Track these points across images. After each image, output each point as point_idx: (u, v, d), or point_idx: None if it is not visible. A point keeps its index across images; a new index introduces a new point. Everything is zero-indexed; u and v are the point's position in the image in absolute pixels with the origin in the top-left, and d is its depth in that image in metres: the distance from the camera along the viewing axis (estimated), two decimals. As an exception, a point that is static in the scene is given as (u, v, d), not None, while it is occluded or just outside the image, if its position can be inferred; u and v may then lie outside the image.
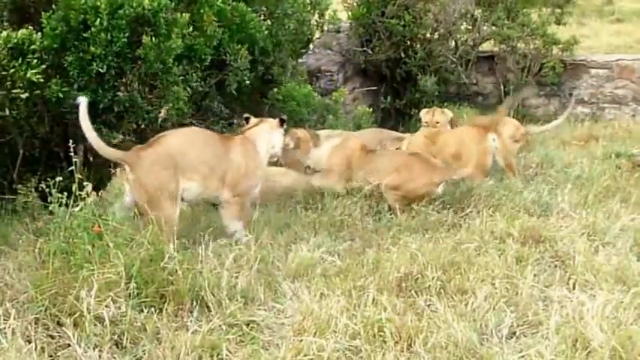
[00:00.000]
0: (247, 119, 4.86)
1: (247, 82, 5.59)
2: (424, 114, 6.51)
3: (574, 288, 3.72)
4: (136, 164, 4.08)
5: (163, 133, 4.35)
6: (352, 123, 7.20)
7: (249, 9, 5.62)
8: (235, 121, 5.84)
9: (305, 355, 3.04)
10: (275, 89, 6.09)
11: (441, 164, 5.35)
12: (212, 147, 4.43)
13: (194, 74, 5.02)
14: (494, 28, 8.50)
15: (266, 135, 4.74)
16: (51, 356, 3.08)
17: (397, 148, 6.02)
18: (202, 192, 4.37)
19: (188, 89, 4.90)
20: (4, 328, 3.09)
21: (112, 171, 3.69)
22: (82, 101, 3.96)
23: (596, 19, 13.30)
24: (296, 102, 5.97)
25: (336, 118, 6.62)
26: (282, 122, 4.80)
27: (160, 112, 4.20)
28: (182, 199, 4.30)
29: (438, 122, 6.35)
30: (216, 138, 4.55)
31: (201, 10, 5.07)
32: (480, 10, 8.68)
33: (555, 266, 4.02)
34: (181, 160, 4.21)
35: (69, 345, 3.09)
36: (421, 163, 5.18)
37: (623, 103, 8.48)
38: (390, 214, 4.99)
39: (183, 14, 4.75)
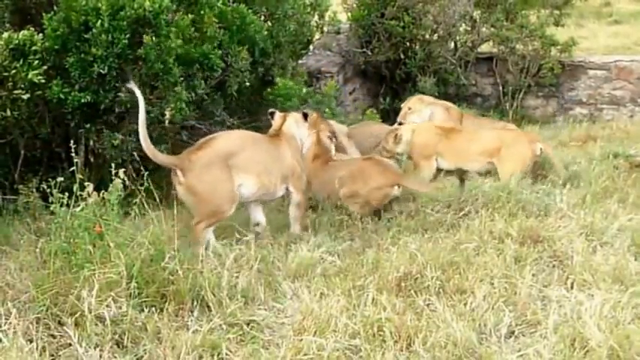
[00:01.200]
0: (272, 114, 4.92)
1: (247, 83, 5.62)
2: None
3: (572, 288, 3.72)
4: (187, 168, 4.20)
5: (211, 137, 4.47)
6: (344, 117, 7.18)
7: (250, 10, 5.65)
8: (235, 122, 5.86)
9: (305, 355, 3.05)
10: (269, 88, 6.12)
11: (394, 166, 5.25)
12: (262, 146, 4.58)
13: (196, 78, 5.04)
14: (493, 29, 8.52)
15: (296, 129, 4.87)
16: (52, 356, 3.08)
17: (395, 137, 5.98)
18: (259, 189, 4.49)
19: (192, 93, 4.92)
20: (6, 328, 3.09)
21: (114, 172, 3.70)
22: (141, 107, 4.06)
23: (594, 20, 13.33)
24: (283, 96, 5.98)
25: (331, 111, 6.63)
26: (305, 116, 4.87)
27: (165, 115, 4.21)
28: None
29: (410, 108, 6.34)
30: (263, 138, 4.68)
31: (202, 12, 5.10)
32: (479, 12, 8.70)
33: (553, 266, 4.02)
34: (233, 160, 4.32)
35: (70, 344, 3.10)
36: (373, 167, 5.06)
37: (621, 104, 8.51)
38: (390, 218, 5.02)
39: (185, 16, 4.76)
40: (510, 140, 5.69)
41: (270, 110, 4.97)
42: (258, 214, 4.65)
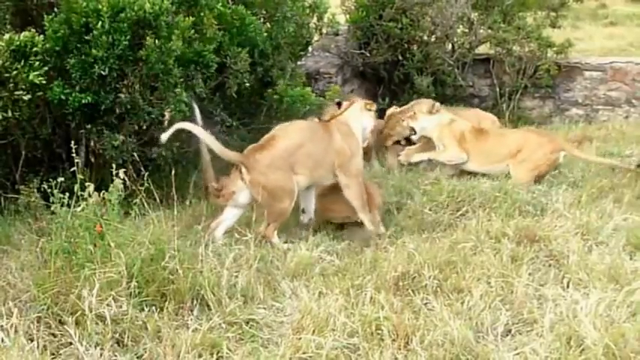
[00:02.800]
0: (339, 104, 5.01)
1: (247, 84, 5.64)
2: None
3: (568, 286, 3.74)
4: (252, 166, 4.38)
5: (273, 133, 4.62)
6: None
7: (249, 12, 5.65)
8: (234, 123, 5.88)
9: (304, 353, 3.07)
10: (270, 90, 6.14)
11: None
12: (317, 139, 4.66)
13: (196, 79, 5.06)
14: (490, 31, 8.54)
15: (357, 116, 4.88)
16: (53, 354, 3.10)
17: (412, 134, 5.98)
18: (310, 182, 4.64)
19: (192, 94, 4.94)
20: (7, 327, 3.11)
21: (114, 172, 3.72)
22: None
23: (590, 22, 13.39)
24: (291, 100, 6.00)
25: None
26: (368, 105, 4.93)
27: (164, 116, 4.24)
28: None
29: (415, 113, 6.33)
30: (318, 128, 4.75)
31: (202, 14, 5.11)
32: (476, 14, 8.72)
33: (550, 265, 4.04)
34: (293, 159, 4.49)
35: (71, 343, 3.12)
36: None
37: (617, 105, 8.54)
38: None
39: (185, 18, 4.78)
40: (532, 145, 5.70)
41: (337, 100, 5.14)
42: (309, 202, 4.77)
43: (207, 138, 4.38)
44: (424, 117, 5.94)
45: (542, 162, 5.61)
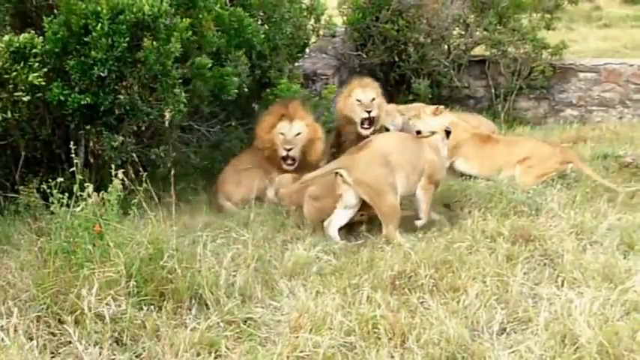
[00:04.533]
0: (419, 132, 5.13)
1: (245, 85, 5.66)
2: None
3: (562, 285, 3.76)
4: (352, 167, 4.53)
5: (368, 140, 4.85)
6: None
7: (247, 14, 5.68)
8: (233, 124, 5.91)
9: (301, 352, 3.09)
10: (268, 90, 6.17)
11: None
12: (411, 147, 4.85)
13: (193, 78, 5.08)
14: (485, 33, 8.58)
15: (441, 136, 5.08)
16: (52, 353, 3.12)
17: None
18: (406, 187, 4.72)
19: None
20: (7, 326, 3.13)
21: (113, 172, 3.74)
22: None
23: (585, 24, 13.43)
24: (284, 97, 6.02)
25: (330, 114, 6.69)
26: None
27: (164, 117, 4.26)
28: None
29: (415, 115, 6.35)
30: (411, 138, 4.93)
31: (200, 16, 5.11)
32: (472, 16, 8.75)
33: (544, 264, 4.06)
34: (392, 159, 4.62)
35: (70, 342, 3.14)
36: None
37: (611, 105, 8.57)
38: None
39: (183, 19, 4.80)
40: (541, 154, 5.74)
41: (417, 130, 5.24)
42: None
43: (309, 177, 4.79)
44: (427, 117, 5.97)
45: (551, 171, 5.64)
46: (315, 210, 4.82)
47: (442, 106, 6.04)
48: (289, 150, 5.50)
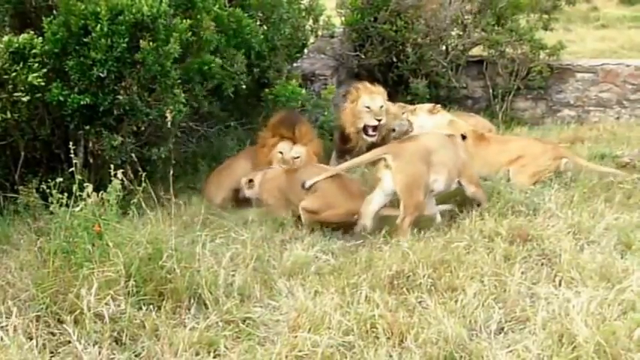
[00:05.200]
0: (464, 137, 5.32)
1: (244, 85, 5.68)
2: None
3: (560, 285, 3.77)
4: (399, 154, 4.61)
5: (413, 135, 4.95)
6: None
7: (246, 15, 5.70)
8: (232, 124, 5.92)
9: (300, 351, 3.10)
10: (267, 90, 6.19)
11: (361, 191, 5.02)
12: (450, 147, 4.96)
13: (194, 81, 5.09)
14: (483, 33, 8.59)
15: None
16: (52, 353, 3.13)
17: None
18: (445, 185, 4.84)
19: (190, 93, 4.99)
20: (6, 326, 3.15)
21: (113, 172, 3.75)
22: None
23: (582, 25, 13.45)
24: (284, 99, 6.05)
25: (329, 113, 6.71)
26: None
27: (165, 117, 4.27)
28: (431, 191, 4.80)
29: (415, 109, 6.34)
30: (448, 139, 5.05)
31: (199, 16, 5.13)
32: (469, 16, 8.76)
33: (542, 264, 4.07)
34: (433, 156, 4.71)
35: (69, 342, 3.15)
36: (344, 189, 4.90)
37: (608, 106, 8.59)
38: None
39: (182, 20, 4.81)
40: (533, 151, 5.75)
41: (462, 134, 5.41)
42: (433, 208, 4.93)
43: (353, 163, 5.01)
44: (424, 114, 6.00)
45: (544, 168, 5.66)
46: (314, 222, 4.79)
47: (439, 105, 6.07)
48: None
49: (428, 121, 5.89)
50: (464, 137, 5.24)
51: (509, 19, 8.66)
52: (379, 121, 5.95)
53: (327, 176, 4.88)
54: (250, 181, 5.29)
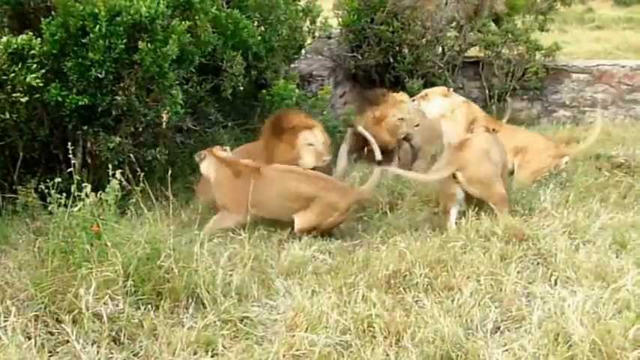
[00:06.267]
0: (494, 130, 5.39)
1: (241, 87, 5.69)
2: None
3: (556, 284, 3.79)
4: (465, 167, 4.75)
5: (466, 139, 5.03)
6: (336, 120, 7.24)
7: (243, 16, 5.71)
8: (229, 124, 5.93)
9: (297, 350, 3.11)
10: (264, 90, 6.21)
11: (346, 185, 4.99)
12: (499, 144, 5.15)
13: (191, 79, 5.10)
14: (479, 34, 8.62)
15: None
16: (50, 352, 3.13)
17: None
18: None
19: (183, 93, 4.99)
20: (5, 326, 3.15)
21: (111, 172, 3.76)
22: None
23: (577, 26, 13.48)
24: (279, 98, 6.07)
25: (327, 114, 6.72)
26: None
27: (162, 117, 4.28)
28: None
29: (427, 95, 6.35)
30: (495, 137, 5.18)
31: (197, 17, 5.14)
32: (465, 17, 8.80)
33: (538, 263, 4.09)
34: (491, 155, 4.89)
35: (68, 341, 3.15)
36: (329, 190, 4.70)
37: (603, 106, 8.64)
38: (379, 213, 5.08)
39: (180, 21, 4.81)
40: (537, 146, 5.82)
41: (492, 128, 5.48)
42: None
43: (409, 175, 5.16)
44: (438, 98, 6.02)
45: (545, 166, 5.71)
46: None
47: (451, 88, 6.13)
48: None
49: (443, 104, 5.93)
50: (494, 131, 5.30)
51: (505, 20, 8.70)
52: (416, 126, 6.22)
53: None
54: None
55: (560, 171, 5.77)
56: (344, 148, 6.39)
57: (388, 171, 5.21)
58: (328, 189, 4.71)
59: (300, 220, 4.64)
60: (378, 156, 5.00)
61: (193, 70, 5.18)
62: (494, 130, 5.34)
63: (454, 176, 4.75)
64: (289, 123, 5.38)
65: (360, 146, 6.21)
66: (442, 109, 6.00)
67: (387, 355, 3.12)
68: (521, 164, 5.73)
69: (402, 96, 6.44)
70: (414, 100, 6.28)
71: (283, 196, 4.67)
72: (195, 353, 3.17)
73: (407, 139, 6.44)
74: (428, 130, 6.47)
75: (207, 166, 4.90)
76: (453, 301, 3.56)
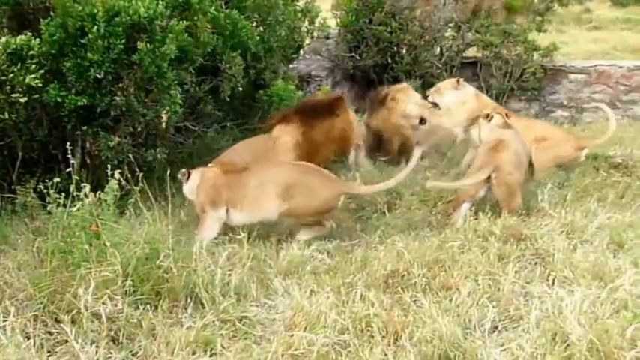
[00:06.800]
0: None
1: (240, 87, 5.70)
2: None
3: (553, 284, 3.79)
4: (500, 169, 4.83)
5: (501, 140, 5.08)
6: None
7: (242, 16, 5.70)
8: (228, 124, 5.93)
9: (296, 350, 3.11)
10: (262, 91, 6.22)
11: (334, 177, 4.82)
12: (523, 145, 5.24)
13: (189, 79, 5.10)
14: (477, 35, 8.65)
15: None
16: (49, 352, 3.14)
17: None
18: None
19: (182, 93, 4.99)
20: (4, 325, 3.15)
21: (110, 173, 3.76)
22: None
23: (575, 26, 13.48)
24: (278, 98, 6.09)
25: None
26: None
27: (161, 118, 4.29)
28: None
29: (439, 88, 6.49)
30: (520, 136, 5.30)
31: (196, 18, 5.14)
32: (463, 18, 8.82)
33: (535, 263, 4.09)
34: (521, 159, 5.05)
35: (67, 341, 3.16)
36: (316, 178, 4.60)
37: (600, 106, 8.68)
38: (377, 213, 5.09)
39: (179, 22, 4.82)
40: (558, 137, 5.89)
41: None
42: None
43: (453, 185, 5.17)
44: (450, 91, 6.04)
45: (566, 155, 5.81)
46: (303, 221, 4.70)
47: (462, 79, 6.16)
48: None
49: (455, 96, 5.96)
50: (507, 116, 5.38)
51: (503, 22, 8.73)
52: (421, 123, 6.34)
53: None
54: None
55: (559, 170, 5.79)
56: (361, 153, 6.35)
57: (428, 185, 5.12)
58: (313, 174, 4.63)
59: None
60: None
61: (192, 70, 5.18)
62: (506, 114, 5.38)
63: (488, 177, 4.81)
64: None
65: (377, 146, 6.26)
66: (453, 102, 6.00)
67: (386, 354, 3.12)
68: (541, 150, 5.78)
69: (402, 84, 6.59)
70: (428, 95, 6.33)
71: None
72: (193, 353, 3.17)
73: (422, 122, 6.44)
74: (426, 129, 6.49)
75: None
76: (451, 300, 3.56)
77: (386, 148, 6.42)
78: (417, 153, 4.76)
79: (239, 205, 4.56)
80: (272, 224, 4.75)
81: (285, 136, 5.52)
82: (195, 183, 4.63)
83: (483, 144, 5.23)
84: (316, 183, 4.56)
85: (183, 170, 4.63)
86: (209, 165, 4.88)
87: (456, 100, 6.10)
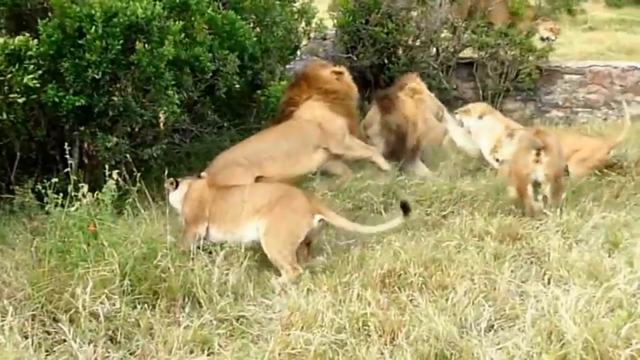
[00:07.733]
0: None
1: (237, 87, 5.71)
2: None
3: (549, 283, 3.81)
4: (551, 149, 4.91)
5: (539, 129, 5.30)
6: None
7: (239, 17, 5.71)
8: (225, 124, 5.94)
9: (293, 349, 3.12)
10: (259, 91, 6.23)
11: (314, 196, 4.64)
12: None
13: (186, 80, 5.11)
14: (473, 35, 8.66)
15: None
16: (47, 351, 3.15)
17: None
18: None
19: (184, 94, 5.00)
20: (2, 325, 3.16)
21: (107, 173, 3.77)
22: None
23: (570, 27, 13.48)
24: (275, 99, 6.09)
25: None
26: None
27: (160, 118, 4.30)
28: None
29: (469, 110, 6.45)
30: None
31: (193, 18, 5.15)
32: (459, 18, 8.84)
33: (531, 262, 4.12)
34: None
35: (65, 340, 3.17)
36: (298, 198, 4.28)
37: (596, 107, 8.68)
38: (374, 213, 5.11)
39: (176, 22, 4.83)
40: (592, 146, 5.96)
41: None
42: None
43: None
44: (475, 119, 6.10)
45: (601, 161, 5.85)
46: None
47: (490, 106, 6.27)
48: None
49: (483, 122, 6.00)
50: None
51: (503, 24, 8.76)
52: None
53: None
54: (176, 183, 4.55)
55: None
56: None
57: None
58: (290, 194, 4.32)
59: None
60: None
61: (189, 70, 5.19)
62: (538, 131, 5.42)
63: (537, 154, 4.85)
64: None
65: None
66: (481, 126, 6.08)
67: (382, 353, 3.14)
68: (578, 162, 5.81)
69: (410, 74, 6.90)
70: (457, 114, 6.36)
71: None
72: (191, 352, 3.18)
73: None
74: (430, 130, 6.49)
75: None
76: (447, 300, 3.58)
77: (404, 146, 6.33)
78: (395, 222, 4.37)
79: (217, 223, 4.34)
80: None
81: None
82: (182, 193, 4.49)
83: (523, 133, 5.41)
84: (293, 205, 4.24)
85: (171, 179, 4.46)
86: (202, 174, 4.71)
87: (483, 126, 6.07)
